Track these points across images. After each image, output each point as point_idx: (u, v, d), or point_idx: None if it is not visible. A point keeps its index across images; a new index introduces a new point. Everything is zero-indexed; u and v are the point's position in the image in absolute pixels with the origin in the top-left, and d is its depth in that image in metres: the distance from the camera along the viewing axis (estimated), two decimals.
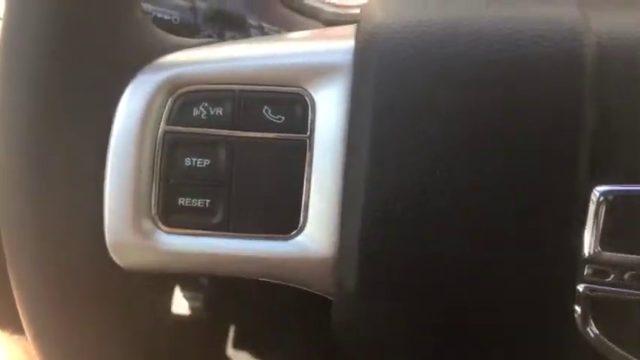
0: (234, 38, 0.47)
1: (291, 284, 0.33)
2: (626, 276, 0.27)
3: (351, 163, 0.30)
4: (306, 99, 0.31)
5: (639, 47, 0.28)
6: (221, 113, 0.31)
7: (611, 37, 0.28)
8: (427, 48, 0.29)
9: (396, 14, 0.31)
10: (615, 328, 0.28)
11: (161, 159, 0.31)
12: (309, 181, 0.31)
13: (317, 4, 0.66)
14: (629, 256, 0.27)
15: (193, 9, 0.46)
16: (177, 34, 0.45)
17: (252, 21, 0.49)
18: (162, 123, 0.31)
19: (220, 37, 0.47)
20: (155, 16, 0.44)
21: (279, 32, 0.50)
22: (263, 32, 0.49)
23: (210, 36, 0.46)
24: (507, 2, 0.32)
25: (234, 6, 0.58)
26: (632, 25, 0.29)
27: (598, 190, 0.27)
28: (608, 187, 0.27)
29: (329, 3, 0.68)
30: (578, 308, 0.28)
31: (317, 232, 0.31)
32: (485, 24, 0.30)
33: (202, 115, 0.31)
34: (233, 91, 0.31)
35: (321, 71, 0.31)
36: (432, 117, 0.29)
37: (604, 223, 0.27)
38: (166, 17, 0.45)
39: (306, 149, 0.31)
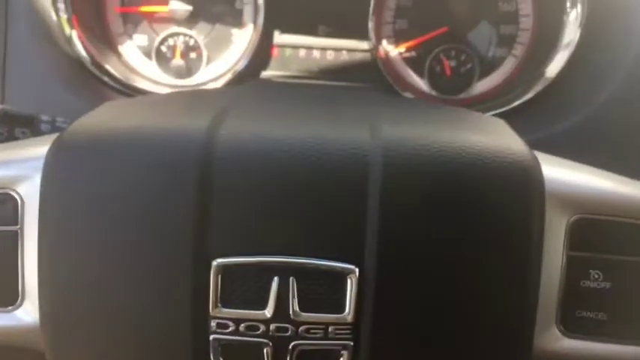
0: (24, 134, 0.55)
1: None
2: (241, 327, 0.35)
3: (40, 250, 0.37)
4: (17, 197, 0.39)
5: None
6: None
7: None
8: (94, 155, 0.37)
9: (89, 123, 0.40)
10: None
11: None
12: (22, 264, 0.39)
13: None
14: (241, 311, 0.35)
15: None
16: None
17: (44, 116, 0.57)
18: None
19: (10, 134, 0.54)
20: None
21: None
22: (54, 126, 0.57)
23: (1, 134, 0.54)
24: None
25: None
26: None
27: (215, 262, 0.35)
28: (222, 259, 0.35)
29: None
30: (212, 355, 0.36)
31: (30, 307, 0.39)
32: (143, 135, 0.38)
33: None
34: None
35: (26, 174, 0.39)
36: (98, 220, 0.36)
37: (222, 286, 0.35)
38: None
39: (18, 238, 0.39)
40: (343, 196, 0.35)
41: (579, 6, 0.70)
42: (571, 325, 0.39)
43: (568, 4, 0.71)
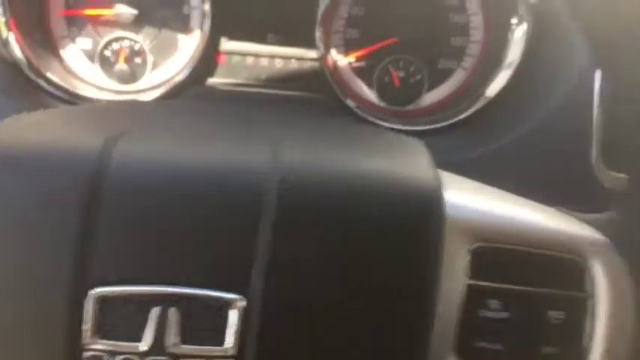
0: None
1: None
2: (117, 359, 0.34)
3: None
4: None
5: None
6: None
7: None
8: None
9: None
10: None
11: None
12: None
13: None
14: (117, 342, 0.34)
15: None
16: None
17: None
18: None
19: None
20: None
21: None
22: None
23: None
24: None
25: None
26: None
27: (94, 290, 0.34)
28: (101, 288, 0.34)
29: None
30: None
31: None
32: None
33: None
34: None
35: None
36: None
37: (99, 316, 0.34)
38: None
39: None
40: (234, 225, 0.34)
41: (525, 24, 0.69)
42: (468, 355, 0.38)
43: (514, 21, 0.70)
